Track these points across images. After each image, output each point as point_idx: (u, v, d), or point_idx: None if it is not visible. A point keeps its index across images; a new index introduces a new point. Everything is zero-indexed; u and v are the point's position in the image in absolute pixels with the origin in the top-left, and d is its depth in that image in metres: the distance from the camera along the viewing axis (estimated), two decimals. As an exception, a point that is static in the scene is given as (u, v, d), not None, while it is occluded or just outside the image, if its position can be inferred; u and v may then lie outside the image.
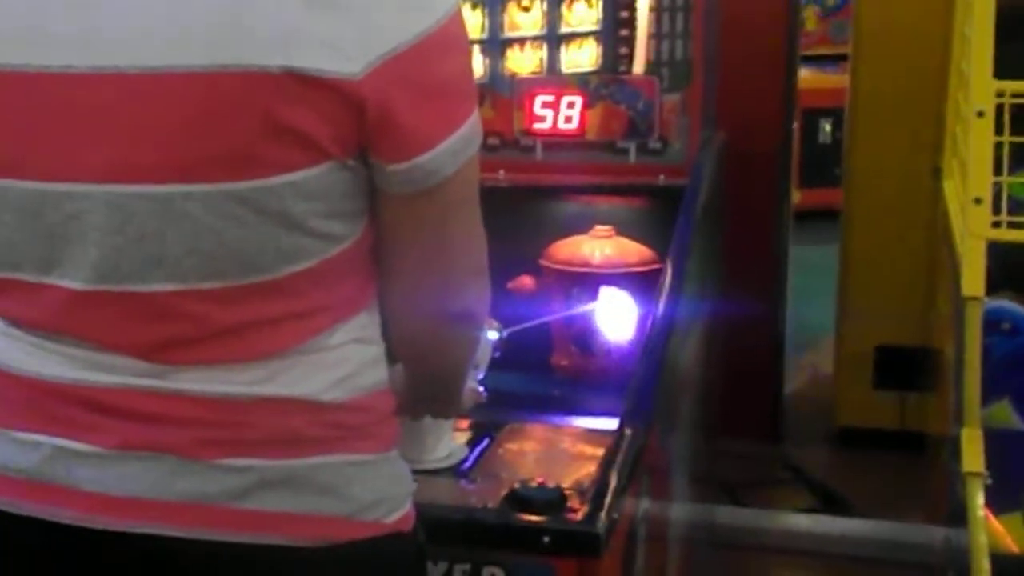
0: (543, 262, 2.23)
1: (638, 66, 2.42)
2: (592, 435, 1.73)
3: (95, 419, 1.07)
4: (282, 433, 1.07)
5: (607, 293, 2.19)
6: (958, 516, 1.60)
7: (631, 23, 2.41)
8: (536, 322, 1.95)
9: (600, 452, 1.62)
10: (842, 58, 4.68)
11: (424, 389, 1.29)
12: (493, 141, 2.43)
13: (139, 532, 1.05)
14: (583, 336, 2.19)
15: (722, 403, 3.01)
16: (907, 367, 3.33)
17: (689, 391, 2.38)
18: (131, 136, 1.03)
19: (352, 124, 1.05)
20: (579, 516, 1.42)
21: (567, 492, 1.46)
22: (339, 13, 1.03)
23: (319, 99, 1.02)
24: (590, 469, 1.55)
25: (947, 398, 2.44)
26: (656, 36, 2.40)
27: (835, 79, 4.84)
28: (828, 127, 5.37)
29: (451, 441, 1.61)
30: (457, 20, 1.10)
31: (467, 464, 1.61)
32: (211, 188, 1.03)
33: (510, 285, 2.23)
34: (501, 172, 2.42)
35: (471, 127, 1.11)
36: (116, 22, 1.03)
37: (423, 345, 1.20)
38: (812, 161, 5.31)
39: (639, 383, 1.69)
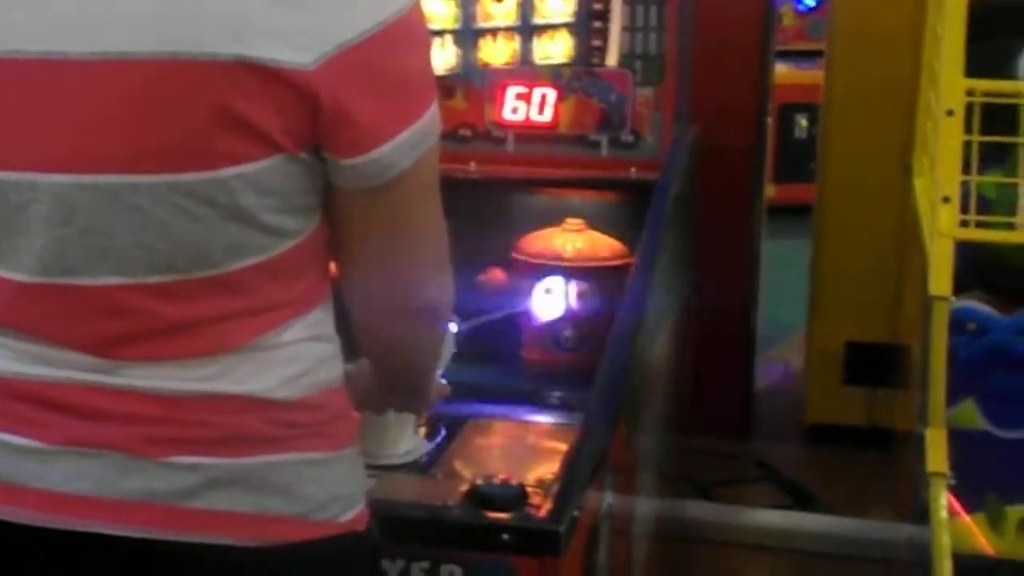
0: (514, 255, 2.22)
1: (611, 59, 2.41)
2: (556, 431, 1.72)
3: (40, 414, 1.04)
4: (233, 431, 1.05)
5: (577, 287, 2.18)
6: (923, 515, 1.59)
7: (605, 15, 2.40)
8: (492, 317, 1.93)
9: (564, 448, 1.60)
10: (819, 54, 4.68)
11: (391, 384, 1.28)
12: (465, 132, 2.41)
13: (85, 531, 1.03)
14: (553, 330, 2.17)
15: (693, 399, 3.01)
16: (877, 363, 3.33)
17: (658, 387, 2.37)
18: (78, 125, 1.01)
19: (305, 117, 1.03)
20: (540, 514, 1.41)
21: (529, 489, 1.45)
22: (294, 3, 1.01)
23: (271, 90, 1.01)
24: (553, 466, 1.54)
25: (916, 395, 2.45)
26: (630, 29, 2.39)
27: (811, 75, 4.84)
28: (804, 122, 5.37)
29: (412, 436, 1.59)
30: (417, 11, 1.09)
31: (428, 459, 1.59)
32: (159, 180, 1.01)
33: (480, 278, 2.22)
34: (472, 164, 2.41)
35: (429, 120, 1.09)
36: (66, 7, 1.01)
37: (387, 340, 1.19)
38: (787, 156, 5.31)
39: (604, 379, 1.68)
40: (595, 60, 2.41)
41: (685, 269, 2.74)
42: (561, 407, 1.97)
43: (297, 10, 1.01)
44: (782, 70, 5.09)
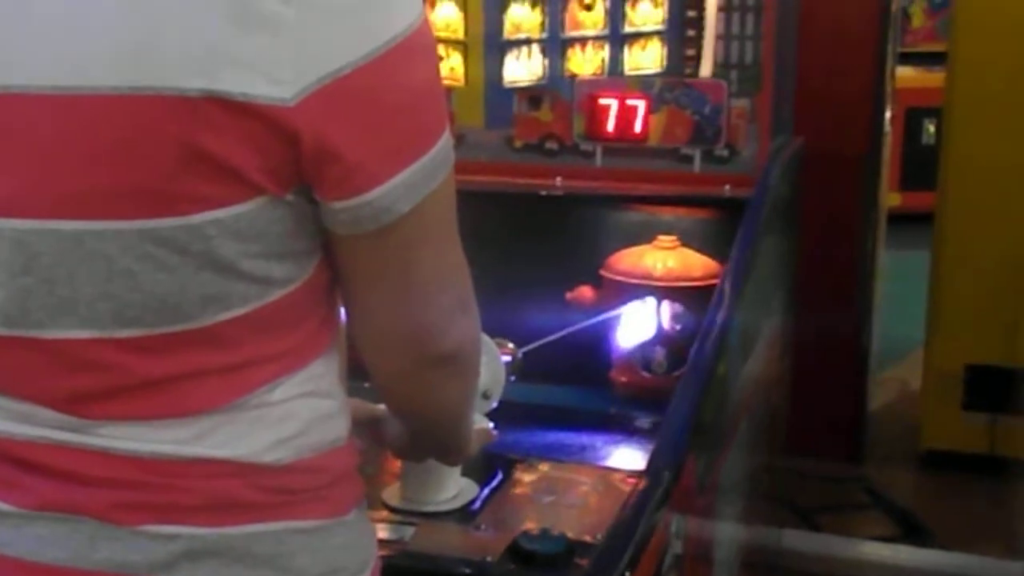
0: (603, 272, 2.14)
1: (705, 69, 2.30)
2: (615, 475, 1.60)
3: (13, 474, 0.98)
4: (214, 498, 0.97)
5: (669, 307, 2.09)
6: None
7: (698, 23, 2.29)
8: (552, 337, 1.83)
9: (624, 492, 1.49)
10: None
11: (418, 437, 1.18)
12: (551, 146, 2.35)
13: None
14: (643, 352, 2.09)
15: (801, 420, 2.88)
16: (999, 388, 3.14)
17: (751, 410, 2.25)
18: (37, 165, 0.93)
19: (286, 155, 0.93)
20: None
21: (575, 542, 1.34)
22: (271, 30, 0.91)
23: (246, 127, 0.91)
24: (606, 516, 1.43)
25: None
26: (725, 37, 2.27)
27: (940, 77, 4.62)
28: (932, 127, 5.13)
29: (460, 479, 1.49)
30: (420, 34, 0.97)
31: (477, 506, 1.49)
32: (126, 226, 0.92)
33: (569, 296, 2.15)
34: (559, 179, 2.33)
35: (435, 158, 0.98)
36: (22, 38, 0.93)
37: (404, 391, 1.09)
38: (913, 163, 5.08)
39: (672, 421, 1.56)
40: (688, 70, 2.30)
41: (786, 285, 2.62)
42: (645, 434, 1.88)
43: (274, 37, 0.91)
44: (909, 73, 4.87)
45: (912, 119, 5.12)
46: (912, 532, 3.06)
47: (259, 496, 0.98)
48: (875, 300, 3.47)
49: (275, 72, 0.90)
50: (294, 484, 0.99)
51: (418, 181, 0.97)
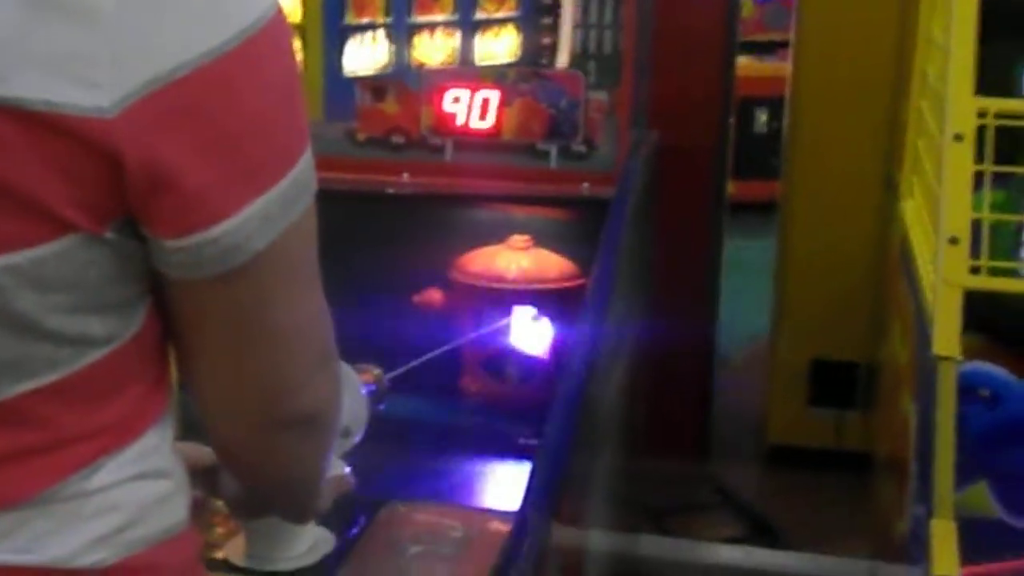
0: (453, 274, 2.05)
1: (562, 59, 2.20)
2: (488, 520, 1.45)
3: None
4: None
5: (522, 311, 1.99)
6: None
7: (555, 11, 2.19)
8: (422, 359, 1.70)
9: (502, 533, 1.34)
10: (780, 45, 4.49)
11: (263, 501, 1.00)
12: (397, 140, 2.27)
13: None
14: (495, 359, 2.00)
15: (648, 418, 2.81)
16: (845, 383, 3.13)
17: (613, 417, 2.16)
18: None
19: (104, 182, 0.73)
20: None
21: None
22: (83, 18, 0.71)
23: (49, 146, 0.71)
24: (481, 568, 1.27)
25: (889, 416, 2.24)
26: (583, 26, 2.17)
27: (773, 67, 4.65)
28: (764, 117, 5.17)
29: (315, 529, 1.31)
30: (275, 26, 0.78)
31: (334, 558, 1.30)
32: None
33: (416, 299, 2.06)
34: (406, 175, 2.24)
35: (295, 182, 0.79)
36: None
37: (250, 458, 0.90)
38: (747, 152, 5.11)
39: (543, 471, 1.38)
40: (544, 60, 2.20)
41: (644, 284, 2.54)
42: (503, 453, 1.78)
43: (88, 31, 0.71)
44: (741, 62, 4.88)
45: (745, 109, 5.15)
46: (760, 531, 3.03)
47: None
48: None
49: (88, 73, 0.71)
50: None
51: (275, 212, 0.78)
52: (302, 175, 0.80)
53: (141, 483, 0.82)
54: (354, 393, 1.32)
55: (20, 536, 0.78)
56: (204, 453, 1.00)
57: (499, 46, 2.24)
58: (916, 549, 1.39)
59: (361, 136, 2.25)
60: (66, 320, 0.76)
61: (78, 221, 0.74)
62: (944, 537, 1.29)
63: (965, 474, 1.35)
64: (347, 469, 1.19)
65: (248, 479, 0.95)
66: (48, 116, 0.70)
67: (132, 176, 0.73)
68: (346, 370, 1.29)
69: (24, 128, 0.71)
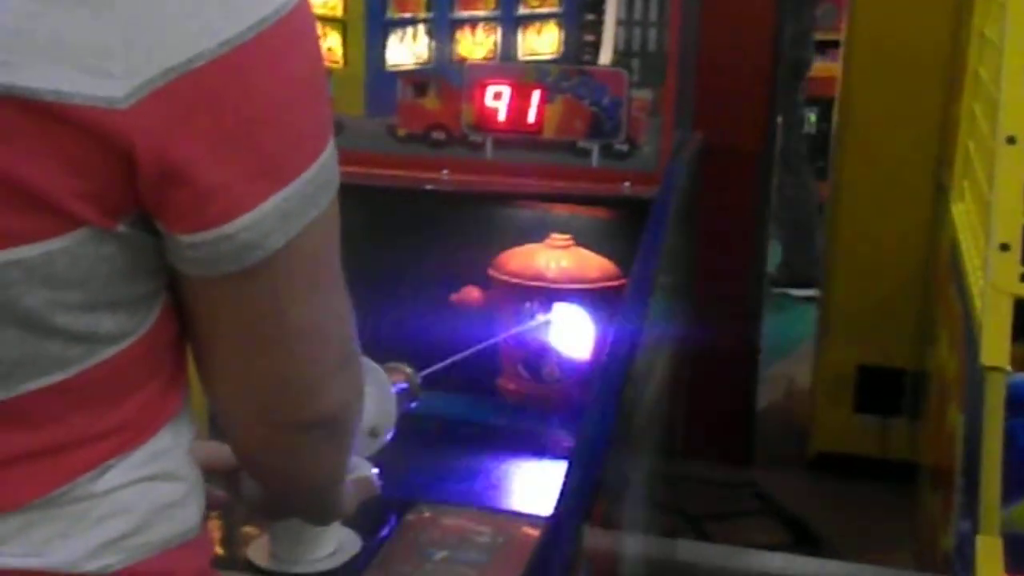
0: (492, 272, 2.01)
1: (605, 56, 2.16)
2: (517, 524, 1.41)
3: None
4: None
5: (561, 310, 1.97)
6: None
7: (598, 7, 2.15)
8: (455, 357, 1.67)
9: (526, 546, 1.31)
10: (830, 44, 4.43)
11: (285, 504, 0.98)
12: (438, 136, 2.21)
13: None
14: (534, 358, 1.98)
15: (689, 421, 2.78)
16: (891, 390, 3.07)
17: (653, 420, 2.13)
18: None
19: (115, 175, 0.71)
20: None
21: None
22: (94, 7, 0.69)
23: (57, 138, 0.69)
24: (514, 570, 1.24)
25: (936, 426, 2.19)
26: (626, 23, 2.13)
27: (821, 67, 4.58)
28: (813, 117, 5.10)
29: (340, 530, 1.28)
30: (299, 16, 0.75)
31: (361, 561, 1.28)
32: None
33: (454, 297, 2.03)
34: (445, 172, 2.18)
35: (316, 177, 0.77)
36: None
37: (268, 460, 0.88)
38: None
39: (576, 475, 1.35)
40: (587, 57, 2.16)
41: (686, 288, 2.50)
42: (542, 452, 1.79)
43: (98, 14, 0.68)
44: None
45: (794, 109, 5.09)
46: (802, 539, 2.98)
47: None
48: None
49: (100, 63, 0.68)
50: None
51: (295, 208, 0.75)
52: (324, 171, 0.77)
53: (152, 485, 0.80)
54: (383, 392, 1.30)
55: (25, 539, 0.76)
56: (227, 452, 0.98)
57: (541, 42, 2.20)
58: (961, 565, 1.35)
59: (402, 132, 2.22)
60: (76, 317, 0.74)
61: (87, 215, 0.72)
62: (990, 554, 1.25)
63: (1013, 489, 1.31)
64: (374, 471, 1.16)
65: (266, 481, 0.93)
66: (57, 107, 0.68)
67: (144, 169, 0.71)
68: (374, 368, 1.26)
69: (33, 119, 0.69)
